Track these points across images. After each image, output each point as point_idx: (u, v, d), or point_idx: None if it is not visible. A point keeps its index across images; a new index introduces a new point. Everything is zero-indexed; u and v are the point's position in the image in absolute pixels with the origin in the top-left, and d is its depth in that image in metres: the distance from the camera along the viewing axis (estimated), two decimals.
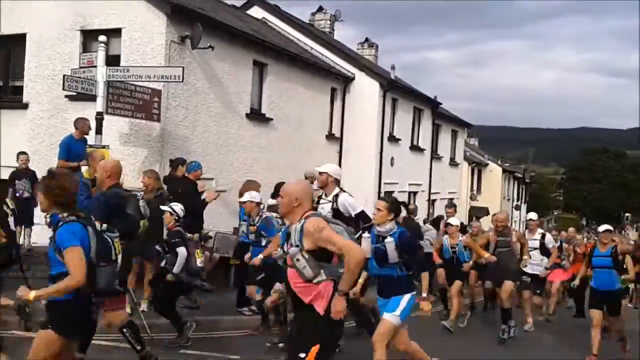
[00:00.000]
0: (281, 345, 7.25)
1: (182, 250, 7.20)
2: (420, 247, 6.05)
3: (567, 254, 12.83)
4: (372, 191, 18.41)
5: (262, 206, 8.46)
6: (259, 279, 7.79)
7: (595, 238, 10.12)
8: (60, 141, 9.84)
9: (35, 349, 4.21)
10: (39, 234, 9.70)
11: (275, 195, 8.95)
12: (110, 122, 10.64)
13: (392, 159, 19.83)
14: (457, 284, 10.08)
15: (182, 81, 10.76)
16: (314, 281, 4.32)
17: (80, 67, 10.79)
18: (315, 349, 4.24)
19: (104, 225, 4.59)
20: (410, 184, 21.68)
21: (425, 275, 5.96)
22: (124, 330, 5.87)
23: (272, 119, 14.96)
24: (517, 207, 46.92)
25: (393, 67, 20.89)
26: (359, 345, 7.37)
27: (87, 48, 11.78)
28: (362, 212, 6.99)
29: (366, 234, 6.09)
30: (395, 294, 5.79)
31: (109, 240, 4.55)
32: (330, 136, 18.12)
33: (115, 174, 6.14)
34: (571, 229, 15.26)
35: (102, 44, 10.15)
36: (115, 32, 11.43)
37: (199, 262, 7.52)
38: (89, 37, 11.85)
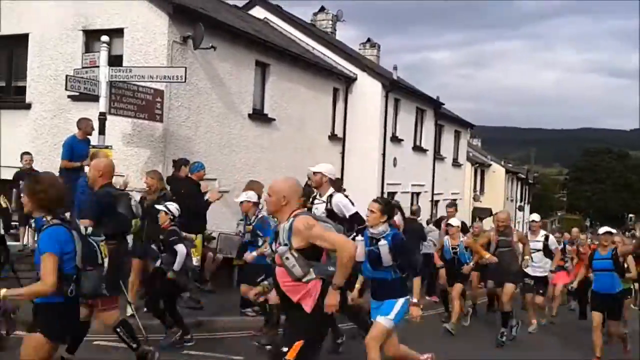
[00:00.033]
0: (268, 347, 7.16)
1: (181, 248, 7.16)
2: (413, 250, 5.93)
3: (570, 257, 12.77)
4: (374, 192, 18.35)
5: (260, 206, 8.42)
6: (258, 281, 7.76)
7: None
8: (63, 141, 9.84)
9: (25, 354, 4.19)
10: None
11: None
12: (113, 122, 10.63)
13: (395, 159, 19.81)
14: (458, 286, 9.99)
15: (185, 81, 10.75)
16: (304, 280, 4.31)
17: (83, 67, 10.78)
18: (298, 344, 4.24)
19: (89, 229, 4.58)
20: (413, 185, 21.65)
21: (417, 280, 5.83)
22: (118, 329, 5.87)
23: (274, 120, 14.95)
24: (521, 208, 46.87)
25: (395, 68, 20.90)
26: (359, 345, 7.33)
27: (90, 48, 11.77)
28: (356, 213, 6.90)
29: (359, 237, 5.97)
30: (389, 297, 5.72)
31: (94, 244, 4.53)
32: (332, 137, 18.10)
33: (108, 173, 6.12)
34: (575, 230, 15.21)
35: (105, 44, 10.14)
36: (117, 32, 11.42)
37: (194, 260, 7.48)
38: (91, 37, 11.84)
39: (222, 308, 9.16)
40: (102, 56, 10.15)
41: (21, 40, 12.56)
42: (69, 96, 11.64)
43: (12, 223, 10.61)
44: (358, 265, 6.10)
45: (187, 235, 7.78)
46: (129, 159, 11.20)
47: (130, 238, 8.41)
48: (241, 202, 8.47)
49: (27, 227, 10.21)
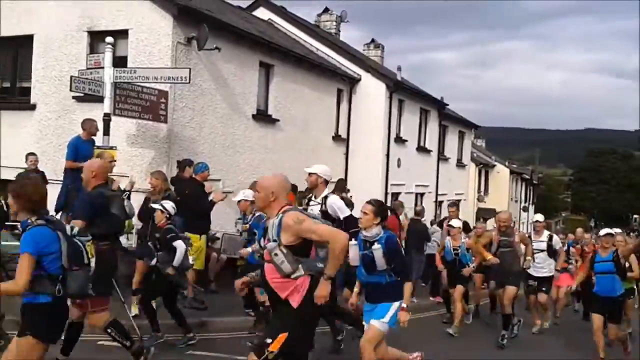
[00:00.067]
0: None
1: (180, 244, 7.14)
2: (402, 254, 5.82)
3: (574, 259, 12.72)
4: (378, 192, 18.36)
5: None
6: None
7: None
8: (68, 142, 9.87)
9: (14, 358, 4.20)
10: None
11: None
12: (118, 123, 10.67)
13: (399, 160, 19.80)
14: (460, 289, 9.95)
15: (189, 82, 10.76)
16: (292, 276, 4.32)
17: (88, 69, 10.82)
18: (282, 336, 4.26)
19: (75, 230, 4.58)
20: (417, 185, 21.64)
21: (408, 285, 5.72)
22: (109, 330, 5.86)
23: (278, 120, 14.96)
24: (525, 209, 46.80)
25: (399, 68, 20.89)
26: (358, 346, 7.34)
27: (94, 49, 11.80)
28: (350, 216, 6.81)
29: (353, 241, 5.89)
30: (383, 300, 5.66)
31: (80, 244, 4.52)
32: (336, 137, 18.11)
33: (101, 174, 6.13)
34: (579, 230, 15.18)
35: (109, 45, 10.17)
36: (122, 34, 11.44)
37: (190, 260, 7.47)
38: (96, 38, 11.87)
39: (225, 308, 9.16)
40: (107, 57, 10.18)
41: (26, 41, 12.59)
42: (73, 97, 11.67)
43: (15, 223, 10.63)
44: (354, 269, 6.09)
45: (184, 234, 7.75)
46: (133, 160, 11.22)
47: (133, 238, 8.43)
48: (239, 201, 8.48)
49: None
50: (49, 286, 4.13)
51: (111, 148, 9.75)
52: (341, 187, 12.88)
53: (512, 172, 44.17)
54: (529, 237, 10.80)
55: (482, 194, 37.53)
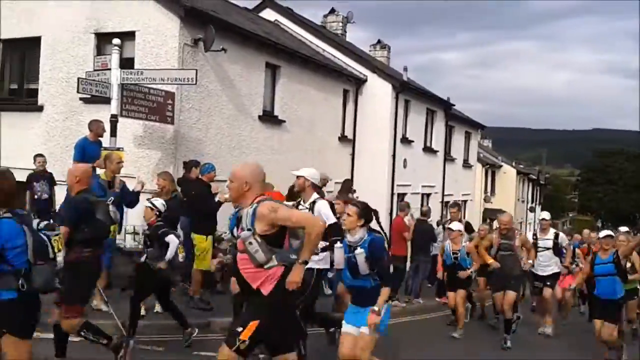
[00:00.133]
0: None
1: (172, 238, 7.08)
2: (384, 258, 5.63)
3: (580, 260, 12.67)
4: (385, 193, 18.38)
5: None
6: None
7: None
8: (75, 143, 9.91)
9: (10, 357, 4.22)
10: None
11: (288, 197, 8.93)
12: (125, 124, 10.71)
13: (405, 160, 19.79)
14: (461, 293, 9.86)
15: (196, 84, 10.79)
16: (265, 267, 4.30)
17: (95, 70, 10.86)
18: (253, 324, 4.24)
19: (42, 224, 4.57)
20: (423, 186, 21.62)
21: (386, 290, 5.45)
22: (82, 333, 5.82)
23: (284, 121, 14.98)
24: (532, 209, 46.65)
25: (405, 69, 20.88)
26: None
27: (101, 51, 11.85)
28: (336, 223, 6.58)
29: (338, 244, 5.85)
30: (369, 304, 5.47)
31: (45, 238, 4.50)
32: (342, 138, 18.11)
33: (85, 178, 6.07)
34: (586, 231, 15.13)
35: (116, 47, 10.22)
36: (129, 35, 11.48)
37: (180, 257, 7.46)
38: (103, 40, 11.92)
39: (231, 309, 9.17)
40: (114, 59, 10.23)
41: (33, 43, 12.66)
42: (80, 98, 11.72)
43: None
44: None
45: (176, 232, 7.76)
46: (140, 161, 11.26)
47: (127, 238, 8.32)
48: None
49: None
50: (13, 282, 4.12)
51: (118, 149, 9.79)
52: (347, 187, 12.91)
53: (518, 173, 44.05)
54: (535, 235, 10.72)
55: (488, 194, 37.45)
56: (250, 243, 4.28)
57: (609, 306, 8.19)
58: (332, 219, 6.48)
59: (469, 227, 13.49)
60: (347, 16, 24.32)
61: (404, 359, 8.26)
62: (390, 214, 17.88)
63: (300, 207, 6.84)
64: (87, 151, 9.59)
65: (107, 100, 10.26)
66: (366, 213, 5.59)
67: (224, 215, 10.38)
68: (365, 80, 18.75)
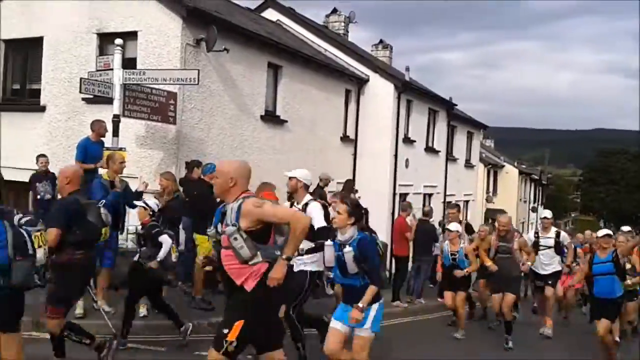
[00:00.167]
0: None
1: (166, 238, 7.08)
2: (372, 257, 5.56)
3: (580, 260, 12.63)
4: (387, 193, 18.38)
5: None
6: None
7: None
8: (77, 143, 9.92)
9: (9, 354, 4.22)
10: None
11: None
12: (127, 124, 10.72)
13: (407, 160, 19.78)
14: (461, 295, 9.82)
15: (198, 84, 10.80)
16: (250, 262, 4.27)
17: (97, 70, 10.89)
18: (238, 324, 4.22)
19: (23, 219, 4.54)
20: (425, 186, 21.61)
21: (372, 288, 5.37)
22: (65, 333, 5.82)
23: (286, 121, 14.98)
24: (534, 209, 46.62)
25: (407, 69, 20.86)
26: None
27: (104, 51, 11.87)
28: (324, 228, 6.40)
29: (329, 242, 5.83)
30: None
31: (25, 234, 4.48)
32: (344, 138, 18.11)
33: (75, 180, 6.03)
34: (587, 232, 15.12)
35: (119, 47, 10.23)
36: (131, 35, 11.50)
37: (173, 257, 7.45)
38: (105, 40, 11.93)
39: None
40: (116, 59, 10.24)
41: (36, 43, 12.68)
42: (83, 99, 11.74)
43: None
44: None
45: (169, 231, 7.76)
46: (142, 161, 11.28)
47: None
48: None
49: None
50: None
51: (120, 149, 9.79)
52: (349, 187, 12.89)
53: (521, 173, 44.03)
54: (536, 233, 10.68)
55: (490, 194, 37.42)
56: (235, 239, 4.25)
57: (607, 305, 8.13)
58: (320, 223, 6.36)
59: (469, 228, 13.47)
60: (349, 16, 24.32)
61: (406, 359, 8.27)
62: (392, 214, 17.89)
63: (293, 208, 6.82)
64: (89, 151, 9.61)
65: (109, 101, 10.27)
66: (356, 212, 5.56)
67: None
68: (367, 80, 18.74)
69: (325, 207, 6.69)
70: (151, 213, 7.37)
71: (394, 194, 18.70)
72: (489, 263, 9.35)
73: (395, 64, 25.24)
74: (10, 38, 13.05)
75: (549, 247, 10.32)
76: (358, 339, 5.49)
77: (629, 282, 8.79)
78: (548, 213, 11.04)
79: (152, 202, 7.51)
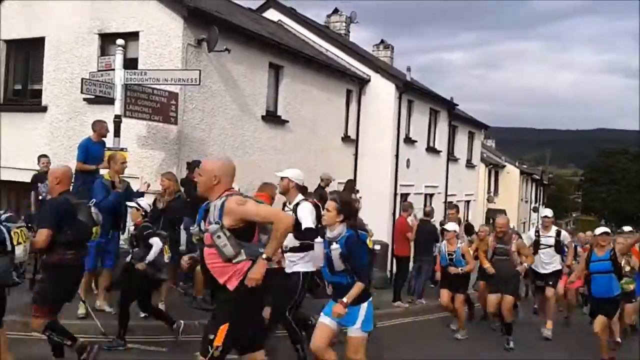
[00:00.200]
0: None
1: (156, 241, 7.09)
2: (360, 255, 5.41)
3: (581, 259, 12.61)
4: (388, 193, 18.38)
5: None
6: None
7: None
8: (79, 144, 9.93)
9: None
10: None
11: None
12: (128, 124, 10.72)
13: (408, 160, 19.78)
14: (460, 297, 9.81)
15: (199, 84, 10.80)
16: (234, 261, 4.22)
17: (99, 71, 10.90)
18: (224, 328, 4.17)
19: (4, 216, 4.53)
20: (426, 186, 21.60)
21: (359, 285, 5.31)
22: (47, 333, 5.81)
23: (287, 121, 14.99)
24: (535, 209, 46.64)
25: (409, 69, 20.84)
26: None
27: (105, 51, 11.88)
28: (311, 229, 6.28)
29: (319, 239, 5.81)
30: (350, 303, 5.33)
31: (5, 230, 4.45)
32: (345, 138, 18.11)
33: (65, 180, 6.05)
34: (588, 233, 15.11)
35: (120, 48, 10.24)
36: (132, 36, 11.50)
37: (165, 258, 7.45)
38: (106, 40, 11.93)
39: None
40: (118, 59, 10.25)
41: (37, 43, 12.69)
42: (84, 99, 11.75)
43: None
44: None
45: (162, 232, 7.77)
46: (144, 161, 11.28)
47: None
48: None
49: None
50: None
51: (122, 150, 9.80)
52: (350, 187, 12.92)
53: (522, 173, 44.04)
54: (537, 232, 10.66)
55: (492, 194, 37.43)
56: (219, 237, 4.21)
57: (605, 304, 8.10)
58: (308, 224, 6.27)
59: (468, 229, 13.45)
60: (350, 16, 24.32)
61: (407, 359, 8.28)
62: (394, 214, 17.89)
63: (286, 208, 6.77)
64: (90, 151, 9.61)
65: (110, 101, 10.28)
66: (346, 209, 5.51)
67: None
68: (369, 80, 18.74)
69: (317, 207, 6.62)
70: (143, 214, 7.37)
71: (395, 194, 18.70)
72: (486, 265, 9.34)
73: (397, 64, 25.27)
74: (11, 38, 13.07)
75: (550, 246, 10.29)
76: (351, 340, 5.46)
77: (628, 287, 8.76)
78: (549, 212, 10.98)
79: (144, 202, 7.51)
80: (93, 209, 6.14)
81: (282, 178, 6.76)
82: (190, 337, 7.45)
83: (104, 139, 9.89)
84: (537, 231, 10.73)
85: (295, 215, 6.32)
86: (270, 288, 4.90)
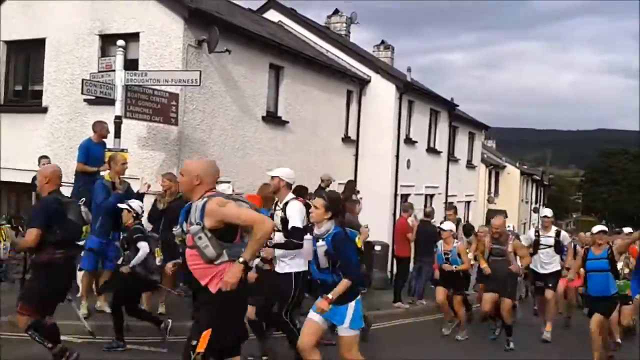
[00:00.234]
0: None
1: (144, 245, 7.07)
2: (347, 252, 5.39)
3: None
4: (388, 194, 18.38)
5: None
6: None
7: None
8: (79, 144, 9.94)
9: None
10: None
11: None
12: (129, 125, 10.73)
13: (409, 161, 19.77)
14: (459, 298, 9.83)
15: (199, 85, 10.81)
16: (216, 262, 4.19)
17: (99, 71, 10.89)
18: (206, 333, 4.12)
19: None
20: (426, 187, 21.60)
21: (344, 282, 5.28)
22: (29, 332, 5.81)
23: (288, 122, 14.99)
24: (536, 210, 46.62)
25: (409, 70, 20.84)
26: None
27: (106, 52, 11.88)
28: (298, 228, 6.23)
29: (308, 235, 5.81)
30: (338, 302, 5.33)
31: None
32: (346, 139, 18.11)
33: (55, 179, 6.05)
34: (588, 233, 15.08)
35: (121, 48, 10.24)
36: (133, 37, 11.50)
37: (157, 260, 7.44)
38: (107, 41, 11.94)
39: None
40: (118, 60, 10.25)
41: (38, 44, 12.69)
42: (85, 100, 11.76)
43: None
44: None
45: (154, 235, 7.75)
46: (144, 162, 11.29)
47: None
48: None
49: None
50: None
51: (122, 150, 9.81)
52: (351, 188, 12.91)
53: (522, 173, 44.03)
54: (537, 232, 10.64)
55: (492, 195, 37.44)
56: (200, 238, 4.18)
57: (601, 302, 8.06)
58: (295, 223, 6.25)
59: (468, 230, 13.42)
60: (350, 17, 24.33)
61: (407, 359, 8.28)
62: (394, 214, 17.89)
63: (277, 207, 6.73)
64: (91, 152, 9.62)
65: (111, 102, 10.28)
66: (334, 206, 5.51)
67: None
68: (369, 81, 18.74)
69: (307, 206, 6.54)
70: (134, 215, 7.35)
71: (396, 195, 18.70)
72: (483, 265, 9.35)
73: (397, 65, 25.28)
74: (12, 39, 13.07)
75: (549, 247, 10.27)
76: (342, 340, 5.47)
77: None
78: (548, 212, 10.94)
79: (136, 204, 7.48)
80: (83, 208, 6.15)
81: (272, 177, 6.75)
82: (168, 334, 7.46)
83: (104, 139, 9.90)
84: (537, 231, 10.72)
85: (285, 214, 6.31)
86: (251, 290, 4.85)
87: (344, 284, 5.30)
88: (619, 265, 9.01)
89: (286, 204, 6.45)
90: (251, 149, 13.53)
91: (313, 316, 5.50)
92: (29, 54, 13.19)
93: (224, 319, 4.23)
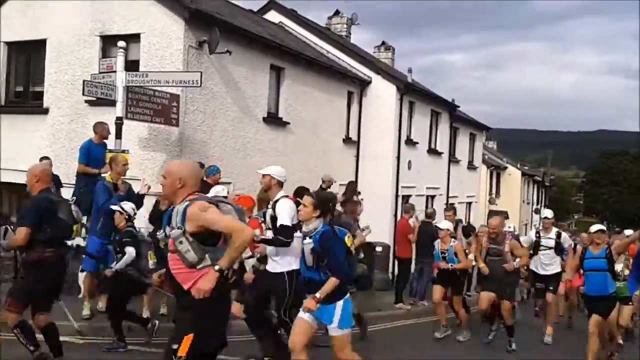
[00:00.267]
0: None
1: (130, 250, 7.05)
2: (334, 250, 5.36)
3: None
4: (389, 195, 18.37)
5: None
6: None
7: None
8: (80, 146, 9.94)
9: None
10: None
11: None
12: (130, 126, 10.73)
13: (410, 162, 19.77)
14: (458, 299, 9.82)
15: (200, 86, 10.83)
16: (198, 267, 4.11)
17: (100, 73, 10.90)
18: (188, 338, 4.04)
19: None
20: (427, 188, 21.60)
21: (332, 281, 5.25)
22: (15, 331, 5.79)
23: (289, 123, 14.99)
24: (537, 211, 46.56)
25: (410, 70, 20.82)
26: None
27: (107, 53, 11.88)
28: (286, 226, 6.11)
29: (298, 233, 5.78)
30: (325, 301, 5.29)
31: None
32: (347, 140, 18.10)
33: (44, 177, 6.03)
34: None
35: (121, 50, 10.25)
36: (134, 38, 11.51)
37: (150, 263, 7.39)
38: (108, 42, 11.95)
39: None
40: (119, 61, 10.27)
41: (39, 45, 12.71)
42: (86, 101, 11.76)
43: None
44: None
45: (146, 238, 7.72)
46: (145, 163, 11.29)
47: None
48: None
49: None
50: None
51: (123, 151, 9.81)
52: (352, 189, 12.89)
53: (523, 174, 44.00)
54: (537, 233, 10.61)
55: (493, 196, 37.42)
56: (181, 242, 4.10)
57: (600, 302, 8.01)
58: (284, 221, 6.17)
59: (467, 230, 13.38)
60: (351, 18, 24.34)
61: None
62: (395, 215, 17.88)
63: (269, 205, 6.65)
64: (92, 153, 9.63)
65: (112, 103, 10.29)
66: (323, 205, 5.49)
67: None
68: (370, 82, 18.73)
69: (298, 204, 6.40)
70: (127, 217, 7.33)
71: (397, 196, 18.69)
72: (481, 265, 9.33)
73: (398, 66, 25.29)
74: (13, 40, 13.08)
75: (550, 248, 10.24)
76: (333, 339, 5.45)
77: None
78: (549, 213, 10.90)
79: (129, 206, 7.45)
80: (73, 207, 6.15)
81: (263, 175, 6.70)
82: (155, 334, 7.45)
83: (105, 141, 9.91)
84: (537, 232, 10.69)
85: (274, 212, 6.27)
86: (230, 298, 4.79)
87: (331, 282, 5.27)
88: (620, 266, 9.00)
89: (276, 201, 6.39)
90: (252, 150, 13.53)
91: (303, 315, 5.48)
92: (29, 55, 13.21)
93: (206, 323, 4.15)
